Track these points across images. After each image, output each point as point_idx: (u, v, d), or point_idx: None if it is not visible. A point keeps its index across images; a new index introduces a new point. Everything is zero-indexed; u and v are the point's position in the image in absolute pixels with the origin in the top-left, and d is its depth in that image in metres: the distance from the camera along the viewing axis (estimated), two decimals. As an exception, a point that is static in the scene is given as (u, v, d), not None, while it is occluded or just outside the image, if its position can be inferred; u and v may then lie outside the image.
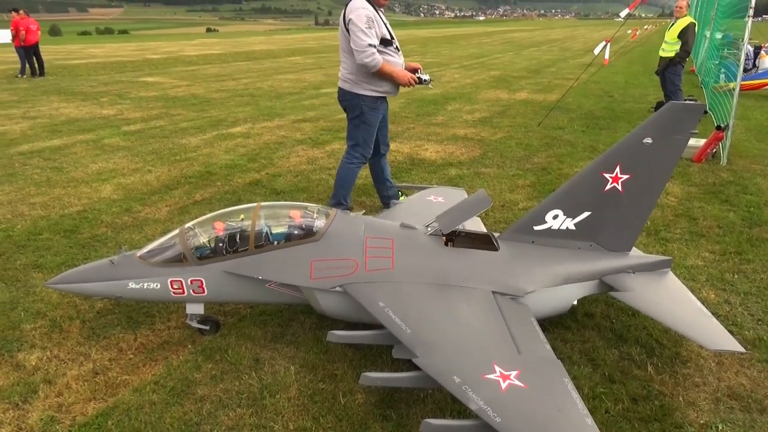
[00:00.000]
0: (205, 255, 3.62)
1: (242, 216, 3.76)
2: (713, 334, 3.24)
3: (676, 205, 6.55)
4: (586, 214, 3.71)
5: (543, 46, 39.10)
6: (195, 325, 3.83)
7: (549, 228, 3.76)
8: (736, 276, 4.76)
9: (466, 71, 22.40)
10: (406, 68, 5.22)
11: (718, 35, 15.86)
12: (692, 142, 8.92)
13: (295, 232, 3.63)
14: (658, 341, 3.80)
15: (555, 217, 3.74)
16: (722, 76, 13.81)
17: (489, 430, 2.42)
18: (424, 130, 10.86)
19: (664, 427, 3.02)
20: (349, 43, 4.95)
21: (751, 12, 7.88)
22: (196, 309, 3.76)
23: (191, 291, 3.62)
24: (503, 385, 2.58)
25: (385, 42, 4.97)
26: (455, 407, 3.12)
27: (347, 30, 4.96)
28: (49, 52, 24.82)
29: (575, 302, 3.70)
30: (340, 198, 5.66)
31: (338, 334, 3.14)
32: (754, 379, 3.41)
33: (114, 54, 34.15)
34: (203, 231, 3.71)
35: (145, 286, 3.61)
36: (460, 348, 2.85)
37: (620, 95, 15.49)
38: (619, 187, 3.62)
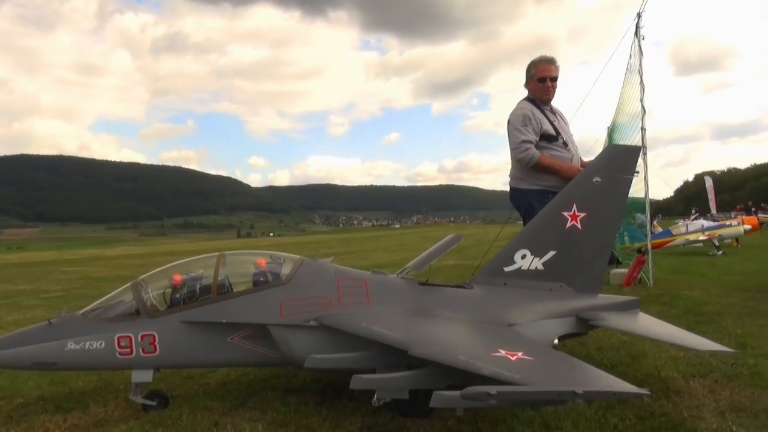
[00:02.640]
0: (160, 307, 3.29)
1: (203, 265, 3.52)
2: (701, 342, 3.19)
3: (620, 309, 6.68)
4: (552, 253, 3.76)
5: (461, 239, 41.53)
6: (140, 400, 3.31)
7: (519, 268, 3.75)
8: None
9: (391, 253, 23.27)
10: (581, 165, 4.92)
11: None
12: (618, 270, 9.64)
13: (261, 278, 3.42)
14: (644, 381, 3.64)
15: (523, 257, 3.76)
16: (626, 238, 15.49)
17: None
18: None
19: (679, 434, 2.79)
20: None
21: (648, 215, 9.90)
22: (143, 377, 3.28)
23: (140, 350, 3.20)
24: (513, 359, 2.36)
25: (549, 137, 4.80)
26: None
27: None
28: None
29: (556, 341, 3.56)
30: None
31: (317, 358, 2.81)
32: (749, 397, 3.29)
33: (29, 258, 33.14)
34: (159, 283, 3.41)
35: (86, 346, 3.16)
36: (457, 341, 2.63)
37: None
38: (579, 225, 3.76)
